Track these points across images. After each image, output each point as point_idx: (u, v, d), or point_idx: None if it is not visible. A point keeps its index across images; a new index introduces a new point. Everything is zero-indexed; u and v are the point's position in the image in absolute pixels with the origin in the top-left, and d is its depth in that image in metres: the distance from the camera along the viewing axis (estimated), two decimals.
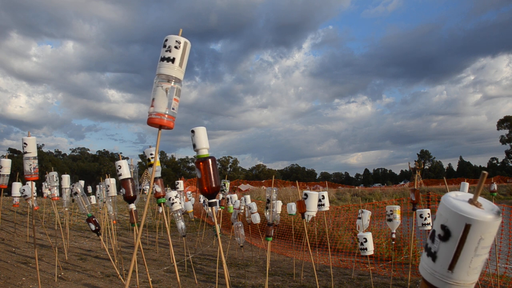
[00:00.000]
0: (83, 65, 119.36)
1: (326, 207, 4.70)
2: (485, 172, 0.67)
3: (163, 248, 7.34)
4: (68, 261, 5.29)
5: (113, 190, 4.39)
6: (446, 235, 0.65)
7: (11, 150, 54.39)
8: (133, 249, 6.82)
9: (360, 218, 4.68)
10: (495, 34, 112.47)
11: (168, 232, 3.48)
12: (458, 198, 0.67)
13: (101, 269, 5.02)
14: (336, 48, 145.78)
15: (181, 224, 4.76)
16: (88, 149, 76.75)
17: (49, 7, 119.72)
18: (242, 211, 7.25)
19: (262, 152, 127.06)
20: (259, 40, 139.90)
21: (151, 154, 3.50)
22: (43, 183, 7.64)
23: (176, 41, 1.80)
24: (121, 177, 3.17)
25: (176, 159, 75.37)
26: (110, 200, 5.01)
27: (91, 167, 64.42)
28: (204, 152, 2.07)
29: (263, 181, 38.33)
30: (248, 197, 7.11)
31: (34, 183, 5.41)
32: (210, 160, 2.02)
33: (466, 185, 4.89)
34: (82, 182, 7.89)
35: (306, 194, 4.08)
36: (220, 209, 6.14)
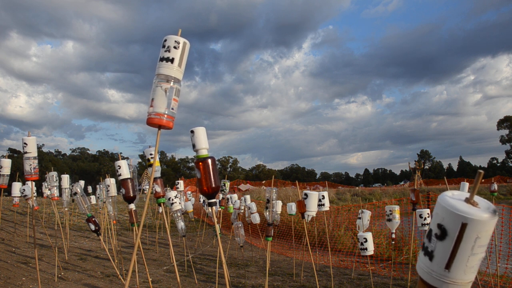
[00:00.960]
0: (83, 65, 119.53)
1: (326, 207, 4.70)
2: (480, 171, 0.67)
3: (163, 248, 7.34)
4: (68, 261, 5.29)
5: (113, 190, 4.39)
6: (442, 234, 0.65)
7: (11, 150, 54.42)
8: (133, 249, 6.81)
9: (360, 218, 4.68)
10: (495, 34, 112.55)
11: (168, 232, 3.48)
12: (455, 197, 0.67)
13: (101, 269, 5.03)
14: (336, 48, 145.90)
15: (181, 224, 4.76)
16: (88, 149, 76.87)
17: (49, 7, 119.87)
18: (242, 211, 7.25)
19: (262, 152, 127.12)
20: (259, 40, 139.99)
21: (151, 154, 3.50)
22: (43, 183, 7.65)
23: (175, 41, 1.81)
24: (121, 177, 3.18)
25: (176, 159, 75.40)
26: (110, 200, 5.02)
27: (91, 167, 64.43)
28: (204, 152, 2.08)
29: (263, 182, 38.29)
30: (248, 197, 7.11)
31: (34, 183, 5.42)
32: (209, 160, 2.02)
33: (466, 185, 4.89)
34: (82, 182, 7.89)
35: (306, 194, 4.08)
36: (220, 209, 6.14)
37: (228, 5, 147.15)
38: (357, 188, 39.30)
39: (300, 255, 6.66)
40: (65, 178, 5.80)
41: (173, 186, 7.51)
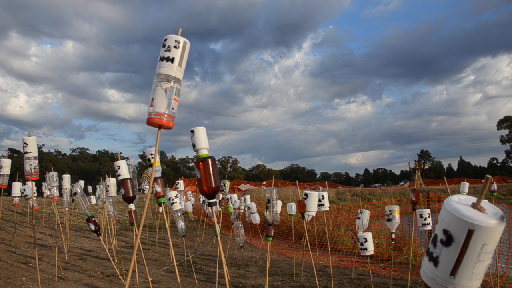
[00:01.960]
0: (83, 65, 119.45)
1: (326, 207, 4.69)
2: (488, 176, 0.65)
3: (163, 248, 7.33)
4: (68, 261, 5.28)
5: (113, 190, 4.38)
6: (448, 240, 0.64)
7: (11, 150, 54.42)
8: (133, 249, 6.82)
9: (359, 218, 4.67)
10: (495, 34, 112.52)
11: (168, 232, 3.47)
12: (461, 202, 0.66)
13: (101, 269, 5.02)
14: (336, 48, 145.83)
15: (181, 224, 4.75)
16: (88, 149, 76.85)
17: (48, 7, 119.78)
18: (242, 211, 7.25)
19: (262, 152, 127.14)
20: (259, 40, 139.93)
21: (151, 154, 3.49)
22: (43, 183, 7.64)
23: (176, 40, 1.80)
24: (120, 177, 3.17)
25: (176, 159, 75.41)
26: (110, 200, 5.01)
27: (91, 167, 64.44)
28: (204, 152, 2.07)
29: (264, 182, 38.28)
30: (248, 197, 7.10)
31: (34, 183, 5.41)
32: (209, 160, 2.01)
33: (466, 185, 4.88)
34: (82, 182, 7.88)
35: (306, 194, 4.07)
36: (220, 209, 6.13)
37: (228, 5, 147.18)
38: (357, 188, 39.30)
39: (300, 255, 6.66)
40: (66, 178, 5.79)
41: (172, 186, 7.50)
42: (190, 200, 9.70)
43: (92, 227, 3.72)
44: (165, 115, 1.79)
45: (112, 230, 5.65)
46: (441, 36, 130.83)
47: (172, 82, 1.81)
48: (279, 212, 7.03)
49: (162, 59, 1.80)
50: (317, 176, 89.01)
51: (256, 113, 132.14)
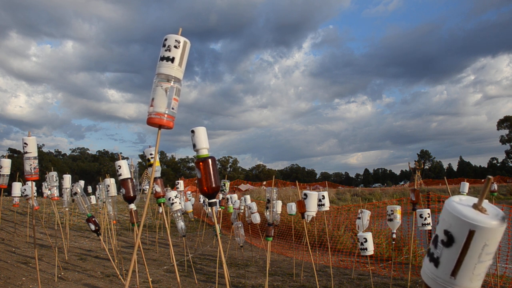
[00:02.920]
0: (83, 65, 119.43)
1: (326, 207, 4.69)
2: (490, 176, 0.65)
3: (163, 248, 7.33)
4: (68, 261, 5.28)
5: (113, 190, 4.38)
6: (449, 241, 0.64)
7: (11, 150, 54.39)
8: (133, 249, 6.81)
9: (359, 218, 4.67)
10: (495, 34, 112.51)
11: (168, 232, 3.47)
12: (462, 203, 0.66)
13: (101, 269, 5.02)
14: (336, 48, 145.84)
15: (181, 224, 4.75)
16: (88, 149, 76.80)
17: (48, 7, 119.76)
18: (242, 211, 7.24)
19: (262, 152, 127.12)
20: (259, 39, 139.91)
21: (151, 154, 3.49)
22: (43, 183, 7.64)
23: (176, 40, 1.79)
24: (121, 177, 3.17)
25: (176, 159, 75.38)
26: (110, 200, 5.01)
27: (91, 167, 64.42)
28: (204, 152, 2.07)
29: (264, 182, 38.27)
30: (248, 197, 7.10)
31: (34, 183, 5.41)
32: (210, 160, 2.01)
33: (466, 185, 4.88)
34: (82, 182, 7.88)
35: (306, 194, 4.07)
36: (220, 209, 6.13)
37: (228, 5, 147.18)
38: (357, 188, 39.29)
39: (300, 255, 6.66)
40: (67, 178, 5.79)
41: (173, 186, 7.49)
42: (190, 200, 9.70)
43: (92, 227, 3.72)
44: (165, 115, 1.79)
45: (112, 230, 5.66)
46: (441, 36, 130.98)
47: (172, 82, 1.81)
48: (279, 212, 7.03)
49: (162, 59, 1.79)
50: (317, 176, 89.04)
51: (256, 113, 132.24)
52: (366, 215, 4.63)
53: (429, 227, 4.16)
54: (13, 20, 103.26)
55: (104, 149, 75.56)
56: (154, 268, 5.38)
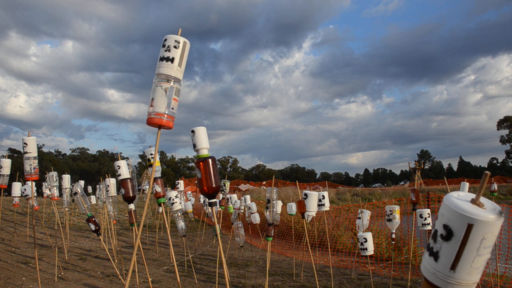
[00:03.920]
0: (83, 65, 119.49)
1: (326, 207, 4.69)
2: (487, 172, 0.67)
3: (163, 248, 7.33)
4: (68, 261, 5.29)
5: (113, 190, 4.38)
6: (448, 235, 0.65)
7: (11, 150, 54.39)
8: (133, 249, 6.82)
9: (359, 218, 4.67)
10: (496, 33, 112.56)
11: (168, 232, 3.48)
12: (460, 198, 0.67)
13: (101, 269, 5.02)
14: (337, 47, 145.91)
15: (181, 224, 4.76)
16: (88, 149, 76.85)
17: (48, 6, 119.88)
18: (242, 211, 7.24)
19: (262, 152, 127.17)
20: (259, 39, 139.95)
21: (151, 154, 3.49)
22: (43, 183, 7.64)
23: (175, 40, 1.80)
24: (120, 177, 3.17)
25: (176, 159, 75.41)
26: (110, 200, 5.01)
27: (91, 167, 64.44)
28: (204, 152, 2.07)
29: (264, 182, 38.27)
30: (248, 197, 7.10)
31: (34, 183, 5.41)
32: (210, 160, 2.01)
33: (466, 185, 4.88)
34: (82, 182, 7.88)
35: (306, 194, 4.08)
36: (220, 209, 6.13)
37: (228, 5, 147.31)
38: (357, 188, 39.30)
39: (300, 255, 6.66)
40: (66, 178, 5.79)
41: (174, 187, 7.49)
42: (190, 200, 9.70)
43: (92, 227, 3.72)
44: (165, 115, 1.79)
45: (112, 230, 5.66)
46: (442, 35, 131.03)
47: (172, 82, 1.81)
48: (279, 212, 7.03)
49: (162, 59, 1.80)
50: (317, 176, 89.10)
51: (256, 113, 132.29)
52: (366, 215, 4.64)
53: (429, 227, 4.16)
54: (13, 20, 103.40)
55: (104, 149, 75.68)
56: (154, 268, 5.38)
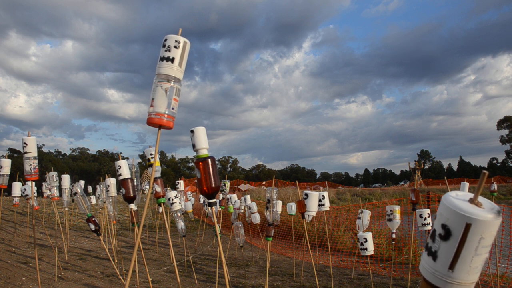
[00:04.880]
0: (83, 65, 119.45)
1: (326, 207, 4.70)
2: (485, 171, 0.67)
3: (163, 248, 7.34)
4: (68, 261, 5.29)
5: (113, 190, 4.38)
6: (446, 234, 0.65)
7: (11, 150, 54.38)
8: (133, 249, 6.82)
9: (360, 218, 4.67)
10: (496, 33, 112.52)
11: (168, 232, 3.48)
12: (459, 197, 0.68)
13: (101, 269, 5.02)
14: (337, 47, 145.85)
15: (181, 224, 4.76)
16: (88, 149, 76.81)
17: (48, 6, 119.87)
18: (242, 211, 7.25)
19: (262, 152, 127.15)
20: (259, 39, 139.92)
21: (151, 154, 3.50)
22: (43, 183, 7.64)
23: (176, 40, 1.80)
24: (121, 177, 3.17)
25: (176, 159, 75.41)
26: (110, 200, 5.01)
27: (91, 167, 64.43)
28: (204, 152, 2.07)
29: (264, 182, 38.27)
30: (248, 197, 7.11)
31: (34, 183, 5.41)
32: (209, 160, 2.01)
33: (466, 185, 4.88)
34: (82, 182, 7.88)
35: (306, 194, 4.08)
36: (220, 209, 6.14)
37: (228, 5, 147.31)
38: (357, 188, 39.29)
39: (300, 255, 6.66)
40: (66, 178, 5.79)
41: (174, 187, 7.50)
42: (190, 200, 9.70)
43: (92, 227, 3.72)
44: (165, 115, 1.79)
45: (112, 230, 5.66)
46: (442, 35, 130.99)
47: (172, 82, 1.81)
48: (279, 212, 7.03)
49: (162, 59, 1.80)
50: (317, 176, 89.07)
51: (256, 113, 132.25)
52: (366, 215, 4.64)
53: (429, 227, 4.16)
54: (13, 20, 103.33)
55: (104, 149, 75.61)
56: (154, 268, 5.38)
